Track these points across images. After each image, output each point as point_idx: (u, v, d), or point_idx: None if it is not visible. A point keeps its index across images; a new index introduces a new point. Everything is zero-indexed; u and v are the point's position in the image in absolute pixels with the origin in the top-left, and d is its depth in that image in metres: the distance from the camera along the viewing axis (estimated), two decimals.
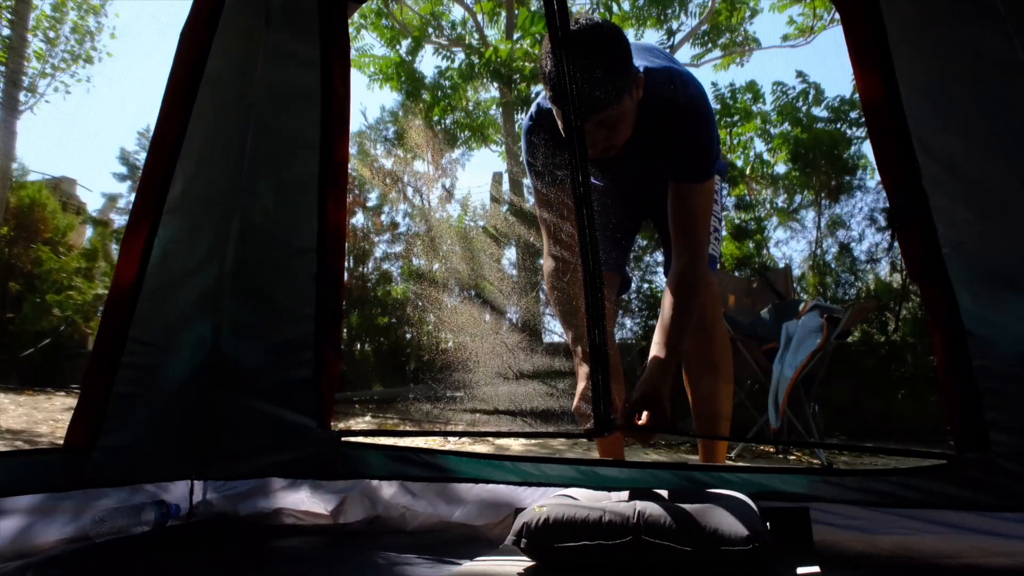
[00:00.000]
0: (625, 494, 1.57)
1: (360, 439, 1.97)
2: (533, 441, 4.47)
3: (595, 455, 2.49)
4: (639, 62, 1.90)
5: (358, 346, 8.03)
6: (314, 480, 1.92)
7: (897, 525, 1.52)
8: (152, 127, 1.75)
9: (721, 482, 1.67)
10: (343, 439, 1.95)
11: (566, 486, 1.75)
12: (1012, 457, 1.45)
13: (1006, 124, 1.43)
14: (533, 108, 2.05)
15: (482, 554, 1.52)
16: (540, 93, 2.06)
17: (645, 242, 6.77)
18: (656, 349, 1.85)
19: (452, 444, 3.98)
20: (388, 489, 1.87)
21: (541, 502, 1.48)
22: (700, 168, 1.94)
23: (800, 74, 7.27)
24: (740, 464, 1.70)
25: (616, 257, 2.37)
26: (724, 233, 6.80)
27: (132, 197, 1.81)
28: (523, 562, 1.41)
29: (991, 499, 1.46)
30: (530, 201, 7.62)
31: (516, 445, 4.38)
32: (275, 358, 2.02)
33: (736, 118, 7.72)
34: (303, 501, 1.91)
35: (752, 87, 7.70)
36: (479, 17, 9.84)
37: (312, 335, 1.98)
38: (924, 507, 1.51)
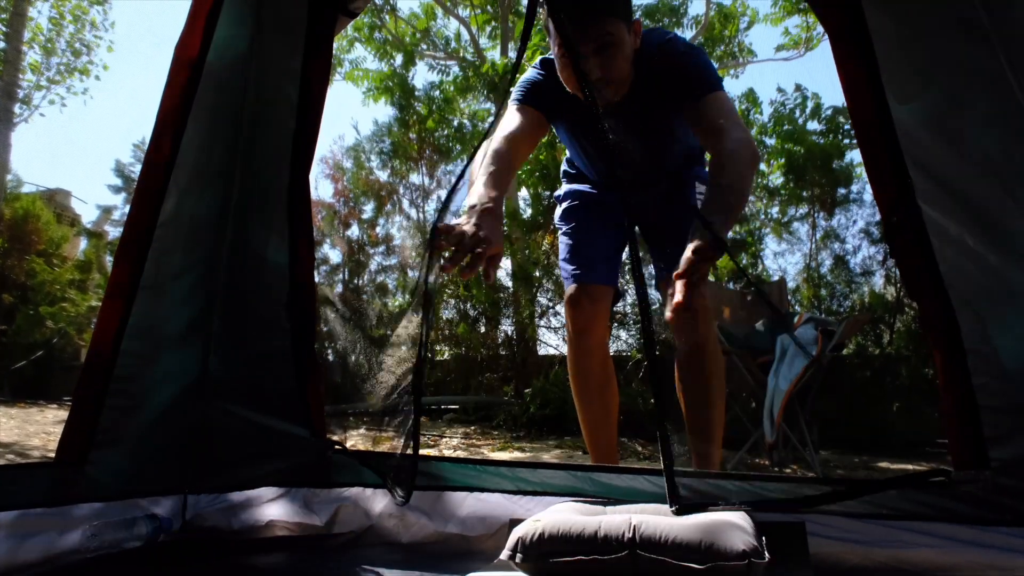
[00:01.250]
0: (621, 507, 1.56)
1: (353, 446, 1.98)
2: (528, 447, 4.47)
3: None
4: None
5: (353, 358, 8.00)
6: (308, 489, 1.92)
7: (893, 538, 1.51)
8: (147, 139, 1.75)
9: (716, 489, 1.67)
10: (336, 447, 1.95)
11: (561, 494, 1.74)
12: (1011, 474, 1.45)
13: (995, 138, 1.43)
14: (539, 59, 2.13)
15: (476, 568, 1.51)
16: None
17: (640, 253, 6.78)
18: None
19: (447, 451, 3.97)
20: (382, 499, 1.86)
21: (537, 515, 1.48)
22: (707, 76, 1.94)
23: (798, 87, 7.32)
24: (735, 472, 1.70)
25: (608, 269, 2.38)
26: None
27: (127, 209, 1.82)
28: (519, 575, 1.40)
29: (989, 514, 1.46)
30: (526, 213, 7.64)
31: (507, 454, 4.37)
32: (265, 369, 2.02)
33: None
34: (296, 512, 1.90)
35: (750, 96, 7.75)
36: (474, 30, 9.90)
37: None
38: (921, 519, 1.50)
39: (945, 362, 1.50)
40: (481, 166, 1.90)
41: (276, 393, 2.00)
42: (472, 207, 1.74)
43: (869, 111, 1.50)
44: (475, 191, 1.80)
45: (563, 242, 2.45)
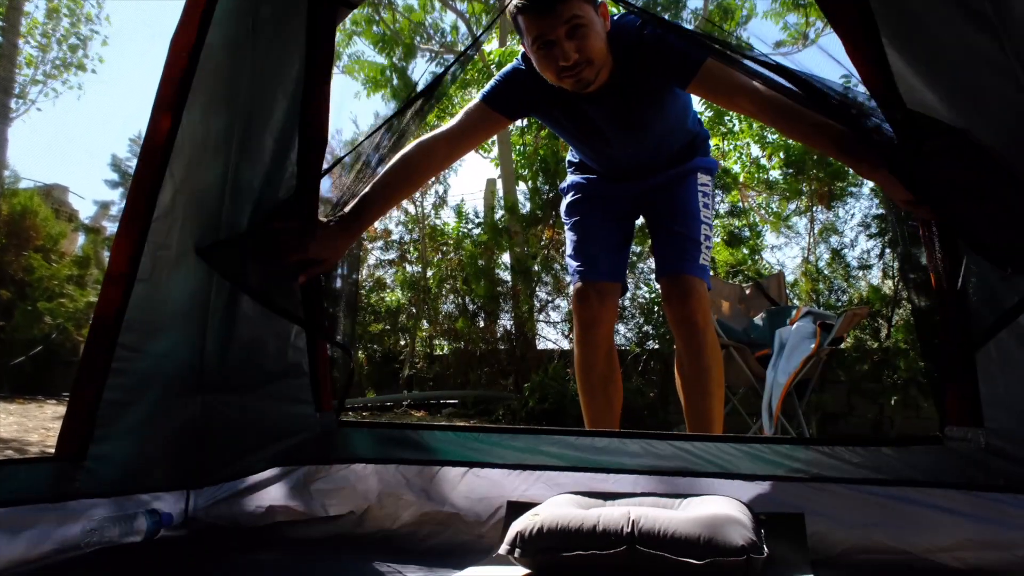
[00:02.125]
0: (620, 500, 1.56)
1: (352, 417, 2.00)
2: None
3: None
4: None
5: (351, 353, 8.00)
6: (309, 467, 1.93)
7: (891, 518, 1.53)
8: (143, 133, 1.74)
9: (719, 452, 1.72)
10: (338, 419, 2.00)
11: (560, 468, 1.77)
12: (1004, 436, 1.50)
13: (1004, 132, 1.43)
14: (521, 53, 2.10)
15: (475, 560, 1.51)
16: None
17: (639, 248, 6.78)
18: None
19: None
20: (380, 478, 1.88)
21: (535, 509, 1.47)
22: (693, 51, 1.89)
23: None
24: (734, 435, 1.72)
25: (612, 265, 2.39)
26: (716, 239, 6.81)
27: (124, 204, 1.80)
28: (517, 569, 1.40)
29: (981, 476, 1.51)
30: (525, 208, 7.63)
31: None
32: (262, 352, 2.02)
33: (732, 124, 7.77)
34: (296, 496, 1.91)
35: None
36: (470, 21, 9.86)
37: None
38: (917, 485, 1.55)
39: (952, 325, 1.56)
40: (385, 171, 2.02)
41: (274, 375, 2.00)
42: (340, 214, 1.97)
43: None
44: (356, 201, 1.98)
45: (568, 237, 2.45)
